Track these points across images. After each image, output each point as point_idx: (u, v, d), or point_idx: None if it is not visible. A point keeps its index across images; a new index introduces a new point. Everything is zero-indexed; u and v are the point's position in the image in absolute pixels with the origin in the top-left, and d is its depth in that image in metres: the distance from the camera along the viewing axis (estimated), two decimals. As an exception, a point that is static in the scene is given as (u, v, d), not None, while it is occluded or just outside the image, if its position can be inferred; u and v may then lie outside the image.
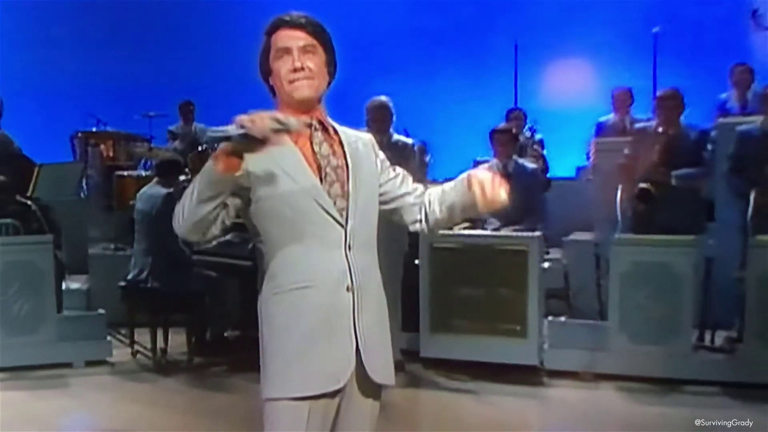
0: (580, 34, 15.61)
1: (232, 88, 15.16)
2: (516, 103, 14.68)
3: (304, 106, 3.75)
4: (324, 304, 3.67)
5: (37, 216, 10.93)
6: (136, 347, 10.21)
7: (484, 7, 16.36)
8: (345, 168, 3.77)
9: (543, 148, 13.61)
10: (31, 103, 14.78)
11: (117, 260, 11.61)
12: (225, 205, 3.61)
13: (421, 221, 3.99)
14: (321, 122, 3.80)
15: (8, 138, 12.47)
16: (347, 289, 3.69)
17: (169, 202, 9.93)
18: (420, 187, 4.03)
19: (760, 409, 8.13)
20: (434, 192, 3.99)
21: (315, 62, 3.73)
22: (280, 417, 3.72)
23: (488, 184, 3.75)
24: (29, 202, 11.14)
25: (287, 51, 3.72)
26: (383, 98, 9.60)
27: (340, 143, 3.82)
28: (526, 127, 13.66)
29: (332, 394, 3.72)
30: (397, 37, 16.60)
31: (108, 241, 13.11)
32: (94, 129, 15.35)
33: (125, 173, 13.93)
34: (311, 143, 3.76)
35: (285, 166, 3.68)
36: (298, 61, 3.70)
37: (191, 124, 14.81)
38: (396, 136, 9.56)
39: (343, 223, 3.70)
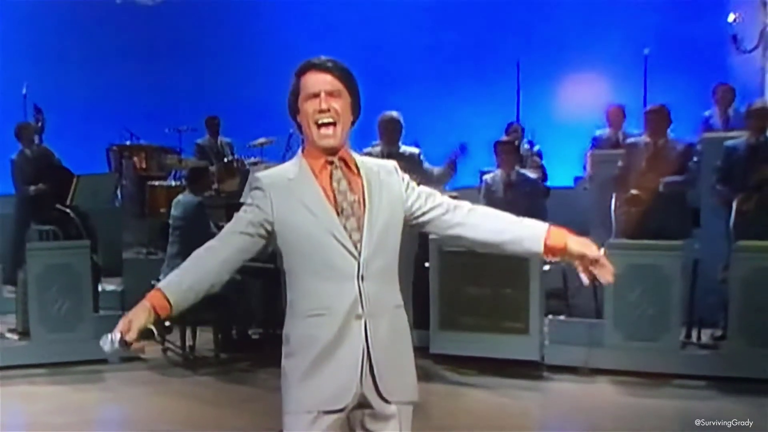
0: (577, 54, 15.60)
1: (255, 104, 15.26)
2: (518, 117, 14.64)
3: (329, 151, 3.79)
4: (335, 332, 3.72)
5: (75, 223, 10.99)
6: (167, 344, 10.22)
7: (489, 29, 16.35)
8: (362, 203, 3.78)
9: (541, 158, 13.61)
10: (70, 119, 14.77)
11: (149, 263, 11.63)
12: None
13: (453, 228, 3.93)
14: (342, 159, 3.82)
15: (49, 151, 12.60)
16: (357, 317, 3.73)
17: (199, 210, 9.96)
18: (448, 199, 3.97)
19: (743, 402, 8.17)
20: (488, 217, 3.96)
21: (340, 105, 3.76)
22: (294, 428, 3.81)
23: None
24: (68, 210, 11.21)
25: (315, 93, 3.75)
26: (394, 113, 9.67)
27: (360, 178, 3.83)
28: (525, 139, 13.65)
29: (340, 411, 3.76)
30: (409, 58, 16.58)
31: (141, 245, 13.14)
32: (128, 142, 15.42)
33: (156, 183, 13.95)
34: (331, 179, 3.78)
35: (305, 200, 3.74)
36: (325, 103, 3.73)
37: (217, 137, 14.81)
38: (403, 147, 9.61)
39: (357, 255, 3.73)
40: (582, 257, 3.83)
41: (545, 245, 3.88)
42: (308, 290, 3.76)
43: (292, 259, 3.78)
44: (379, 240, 3.77)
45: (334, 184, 3.77)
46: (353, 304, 3.72)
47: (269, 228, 3.75)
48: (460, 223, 3.91)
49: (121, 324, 3.62)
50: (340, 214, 3.74)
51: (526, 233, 3.92)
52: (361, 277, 3.72)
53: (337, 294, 3.72)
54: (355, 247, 3.72)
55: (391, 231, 3.83)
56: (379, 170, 3.90)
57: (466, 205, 3.97)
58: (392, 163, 3.99)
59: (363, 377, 3.75)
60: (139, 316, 3.65)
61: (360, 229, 3.74)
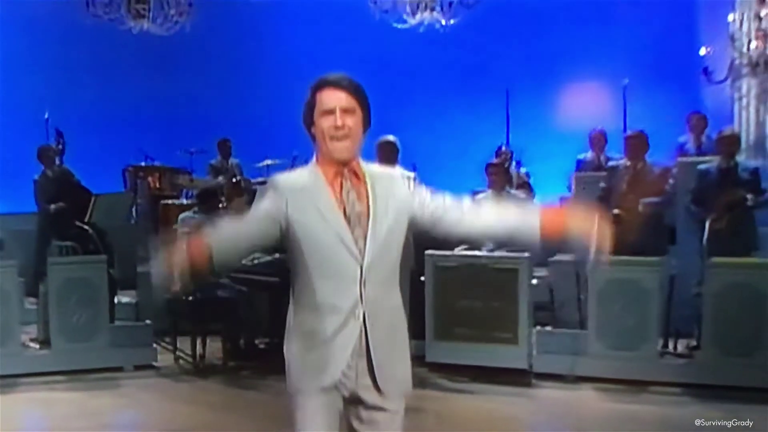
0: (562, 84, 15.67)
1: (265, 127, 15.28)
2: (508, 141, 14.64)
3: (341, 162, 3.85)
4: (335, 328, 3.80)
5: (93, 239, 10.97)
6: (179, 353, 10.21)
7: (481, 59, 16.36)
8: (366, 213, 3.83)
9: (528, 177, 13.66)
10: (89, 142, 14.74)
11: (162, 277, 11.55)
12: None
13: (454, 217, 3.99)
14: (352, 170, 3.87)
15: (69, 171, 12.61)
16: (356, 317, 3.80)
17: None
18: (450, 197, 4.02)
19: (716, 407, 8.18)
20: (489, 210, 4.06)
21: (354, 120, 3.82)
22: (296, 404, 3.91)
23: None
24: (87, 227, 11.18)
25: (331, 110, 3.80)
26: (390, 137, 9.69)
27: (366, 187, 3.87)
28: (513, 161, 13.66)
29: (331, 390, 3.84)
30: (404, 83, 16.57)
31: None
32: (142, 163, 15.42)
33: (169, 201, 13.95)
34: (341, 189, 3.83)
35: (318, 204, 3.79)
36: (340, 120, 3.78)
37: (228, 158, 14.85)
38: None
39: (361, 261, 3.78)
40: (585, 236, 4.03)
41: (542, 230, 3.94)
42: (313, 287, 3.81)
43: (300, 256, 3.82)
44: (382, 248, 3.83)
45: (344, 194, 3.82)
46: (353, 305, 3.79)
47: (283, 224, 3.80)
48: (460, 220, 3.98)
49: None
50: (348, 223, 3.79)
51: (523, 222, 3.99)
52: (363, 283, 3.78)
53: (339, 293, 3.79)
54: (360, 254, 3.78)
55: (394, 238, 3.89)
56: (383, 177, 3.96)
57: (466, 201, 4.06)
58: (399, 172, 4.07)
59: (358, 372, 3.84)
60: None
61: (365, 238, 3.79)
